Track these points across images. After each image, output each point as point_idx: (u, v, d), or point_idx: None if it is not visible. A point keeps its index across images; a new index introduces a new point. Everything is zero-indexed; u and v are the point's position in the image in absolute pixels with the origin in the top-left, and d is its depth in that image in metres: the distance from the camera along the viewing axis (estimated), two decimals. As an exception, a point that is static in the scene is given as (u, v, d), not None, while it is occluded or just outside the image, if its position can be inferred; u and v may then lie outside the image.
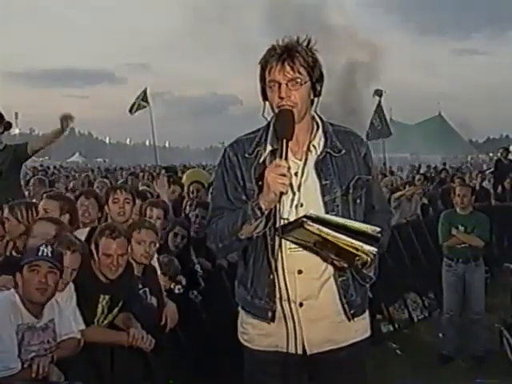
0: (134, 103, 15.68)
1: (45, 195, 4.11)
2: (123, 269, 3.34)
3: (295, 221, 2.03)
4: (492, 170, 13.45)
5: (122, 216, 3.90)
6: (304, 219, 1.96)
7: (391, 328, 6.21)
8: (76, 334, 3.07)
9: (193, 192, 6.29)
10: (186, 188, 6.91)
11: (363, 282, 2.21)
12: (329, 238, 1.96)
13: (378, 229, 1.99)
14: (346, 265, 2.11)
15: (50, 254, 2.89)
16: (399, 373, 4.96)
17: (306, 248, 2.11)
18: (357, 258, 2.01)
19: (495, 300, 6.02)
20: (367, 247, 1.97)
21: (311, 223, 1.95)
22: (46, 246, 2.93)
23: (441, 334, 5.51)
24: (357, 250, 1.97)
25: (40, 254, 2.88)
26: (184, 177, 8.02)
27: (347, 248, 1.97)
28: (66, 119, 4.75)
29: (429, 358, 5.32)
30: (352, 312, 2.21)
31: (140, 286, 3.62)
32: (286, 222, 2.08)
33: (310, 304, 2.16)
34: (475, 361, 5.20)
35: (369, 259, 2.00)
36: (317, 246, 2.07)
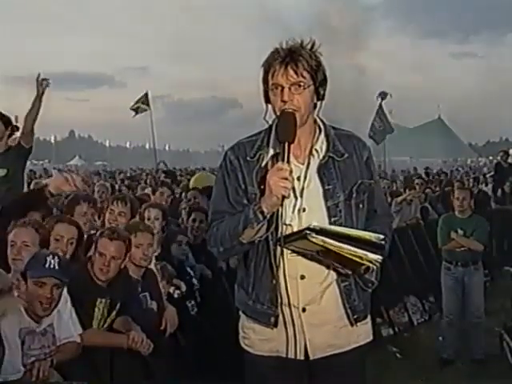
0: (138, 106, 15.72)
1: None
2: (115, 273, 3.31)
3: (298, 232, 2.01)
4: (492, 173, 13.46)
5: None
6: (308, 231, 1.93)
7: (391, 331, 6.20)
8: (75, 338, 3.07)
9: (190, 200, 6.26)
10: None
11: (365, 287, 2.20)
12: (333, 248, 1.94)
13: (382, 236, 1.98)
14: (349, 272, 2.11)
15: (57, 266, 2.80)
16: (399, 376, 4.96)
17: (307, 256, 2.10)
18: (363, 266, 2.00)
19: (495, 303, 6.01)
20: (372, 256, 1.95)
21: (315, 235, 1.92)
22: (53, 257, 2.84)
23: (441, 338, 5.50)
24: (361, 258, 1.96)
25: (47, 265, 2.80)
26: (192, 180, 8.07)
27: (352, 257, 1.96)
28: (41, 83, 4.78)
29: (429, 361, 5.31)
30: (355, 317, 2.20)
31: (139, 290, 3.62)
32: (287, 232, 2.06)
33: (312, 309, 2.14)
34: (475, 364, 5.20)
35: (374, 267, 1.99)
36: (320, 255, 2.06)
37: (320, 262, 2.11)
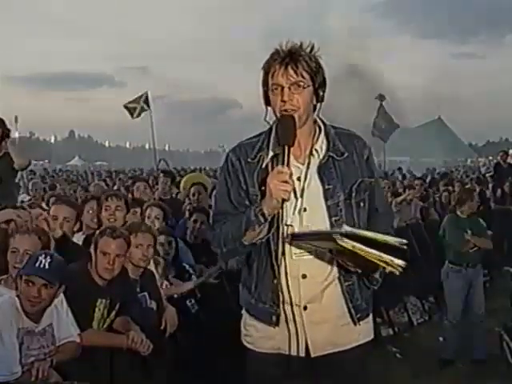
0: (136, 107, 15.50)
1: (56, 200, 4.16)
2: (119, 271, 3.33)
3: (324, 233, 2.03)
4: (491, 173, 13.48)
5: (112, 223, 3.91)
6: (338, 236, 1.93)
7: (391, 331, 6.20)
8: (75, 338, 3.07)
9: (194, 194, 6.15)
10: (183, 191, 6.86)
11: (371, 285, 2.23)
12: (362, 253, 1.95)
13: (404, 241, 1.97)
14: (360, 270, 2.12)
15: (47, 266, 2.78)
16: (399, 376, 4.96)
17: (313, 253, 2.12)
18: (387, 270, 1.99)
19: (495, 303, 6.02)
20: (397, 261, 1.95)
21: (345, 239, 1.93)
22: (46, 256, 2.82)
23: (441, 338, 5.51)
24: (387, 264, 1.96)
25: (37, 265, 2.78)
26: (183, 180, 7.85)
27: (378, 262, 1.96)
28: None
29: (429, 361, 5.32)
30: (358, 316, 2.22)
31: (138, 290, 3.62)
32: (289, 232, 2.09)
33: (313, 307, 2.16)
34: (475, 364, 5.20)
35: (396, 272, 1.97)
36: (333, 253, 2.08)
37: (323, 258, 2.12)
